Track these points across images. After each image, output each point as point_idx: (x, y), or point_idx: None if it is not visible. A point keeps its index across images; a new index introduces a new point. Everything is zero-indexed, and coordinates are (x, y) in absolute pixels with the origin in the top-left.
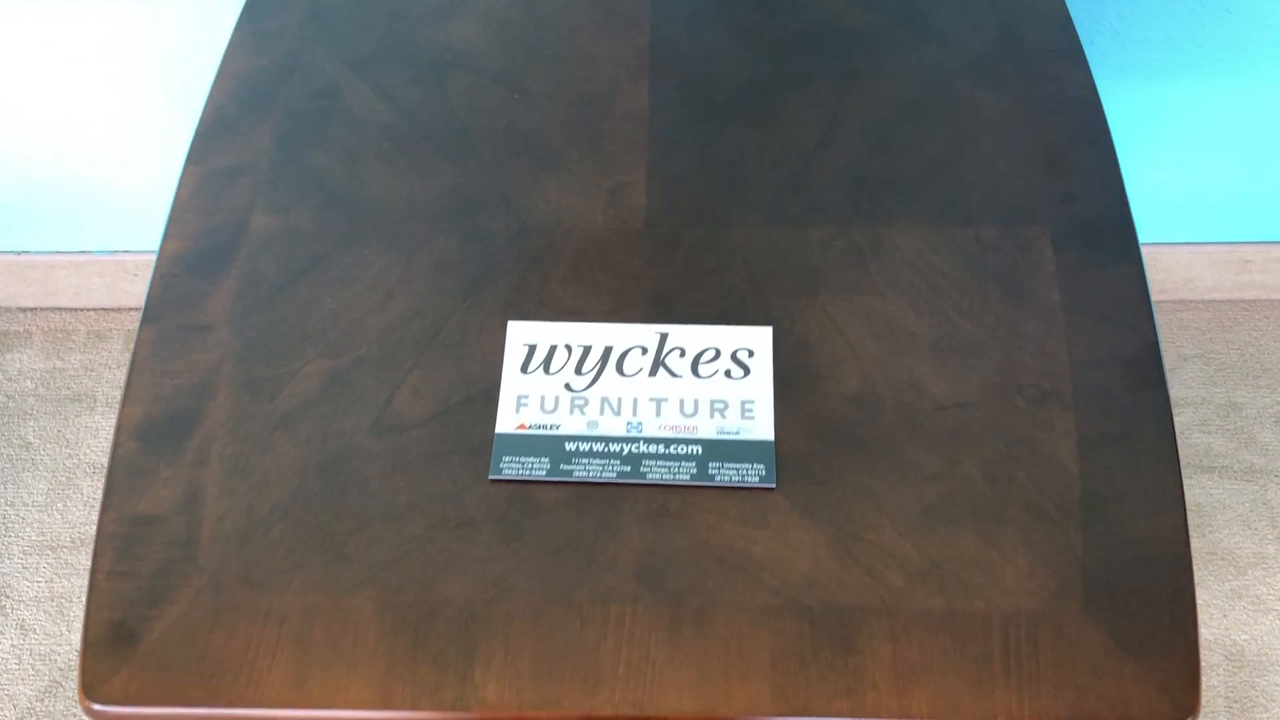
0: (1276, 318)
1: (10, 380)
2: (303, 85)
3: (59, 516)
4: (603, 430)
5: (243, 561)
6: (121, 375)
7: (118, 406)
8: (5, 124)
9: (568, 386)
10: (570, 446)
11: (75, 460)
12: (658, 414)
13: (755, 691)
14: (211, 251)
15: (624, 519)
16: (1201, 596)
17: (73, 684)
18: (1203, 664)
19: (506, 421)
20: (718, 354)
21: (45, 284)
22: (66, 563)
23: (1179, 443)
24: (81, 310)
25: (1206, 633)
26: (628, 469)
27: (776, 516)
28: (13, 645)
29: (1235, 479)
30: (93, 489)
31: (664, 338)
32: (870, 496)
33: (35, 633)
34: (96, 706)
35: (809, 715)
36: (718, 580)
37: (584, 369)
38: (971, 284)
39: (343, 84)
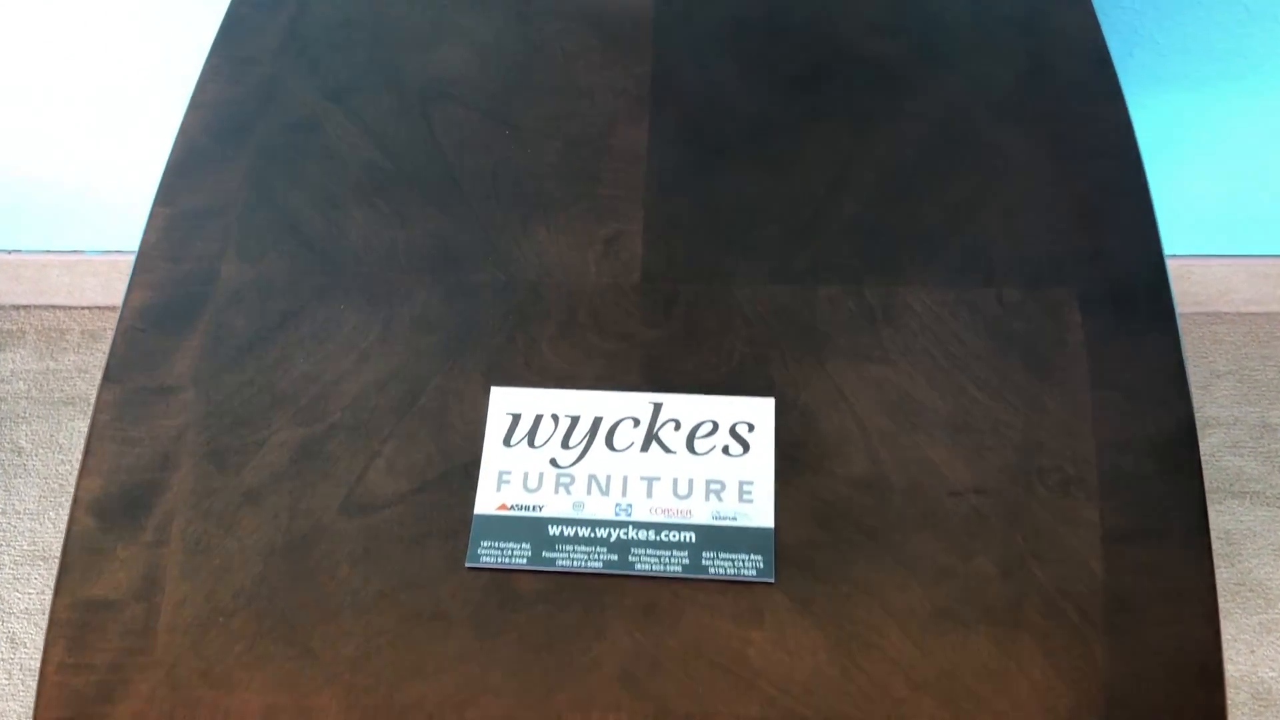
0: None
1: (3, 381)
2: (279, 117)
3: (51, 525)
4: (589, 512)
5: (201, 656)
6: None
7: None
8: None
9: (553, 462)
10: (554, 530)
11: (69, 466)
12: (649, 494)
13: None
14: (179, 304)
15: (609, 615)
16: (1228, 630)
17: None
18: (1227, 701)
19: (486, 501)
20: (715, 428)
21: (38, 282)
22: (57, 574)
23: (1207, 465)
24: (75, 308)
25: (1232, 669)
26: (615, 558)
27: (774, 615)
28: (2, 660)
29: (1267, 505)
30: None
31: (658, 408)
32: (876, 594)
33: (26, 647)
34: None
35: None
36: (709, 687)
37: (571, 442)
38: (991, 352)
39: (322, 116)
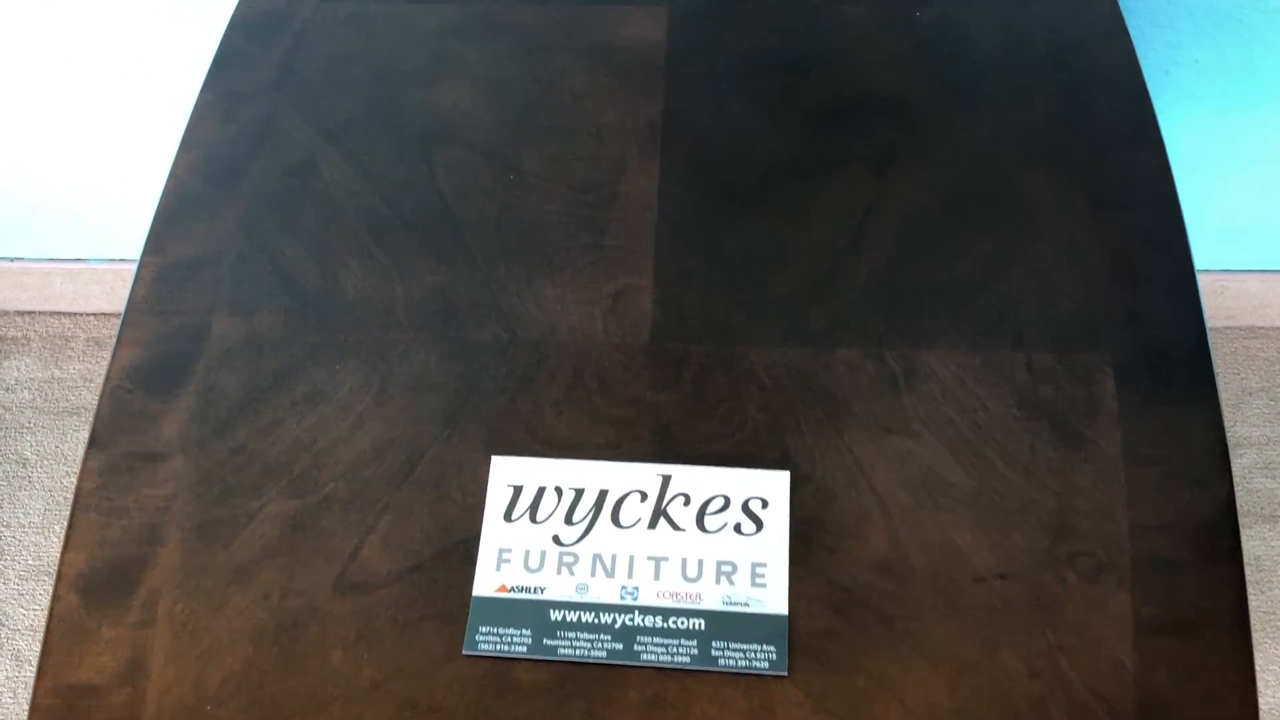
0: None
1: (8, 390)
2: (274, 159)
3: (55, 539)
4: (593, 595)
5: None
6: None
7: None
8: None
9: (556, 539)
10: (556, 615)
11: (73, 479)
12: (656, 576)
13: None
14: (168, 363)
15: (614, 710)
16: (1258, 660)
17: None
18: None
19: (485, 583)
20: (727, 503)
21: (41, 289)
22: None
23: (1238, 486)
24: (80, 315)
25: (1263, 701)
26: (620, 647)
27: (787, 711)
28: (7, 678)
29: None
30: None
31: (666, 481)
32: (894, 690)
33: (31, 664)
34: None
35: None
36: None
37: (575, 518)
38: (1019, 423)
39: (318, 157)
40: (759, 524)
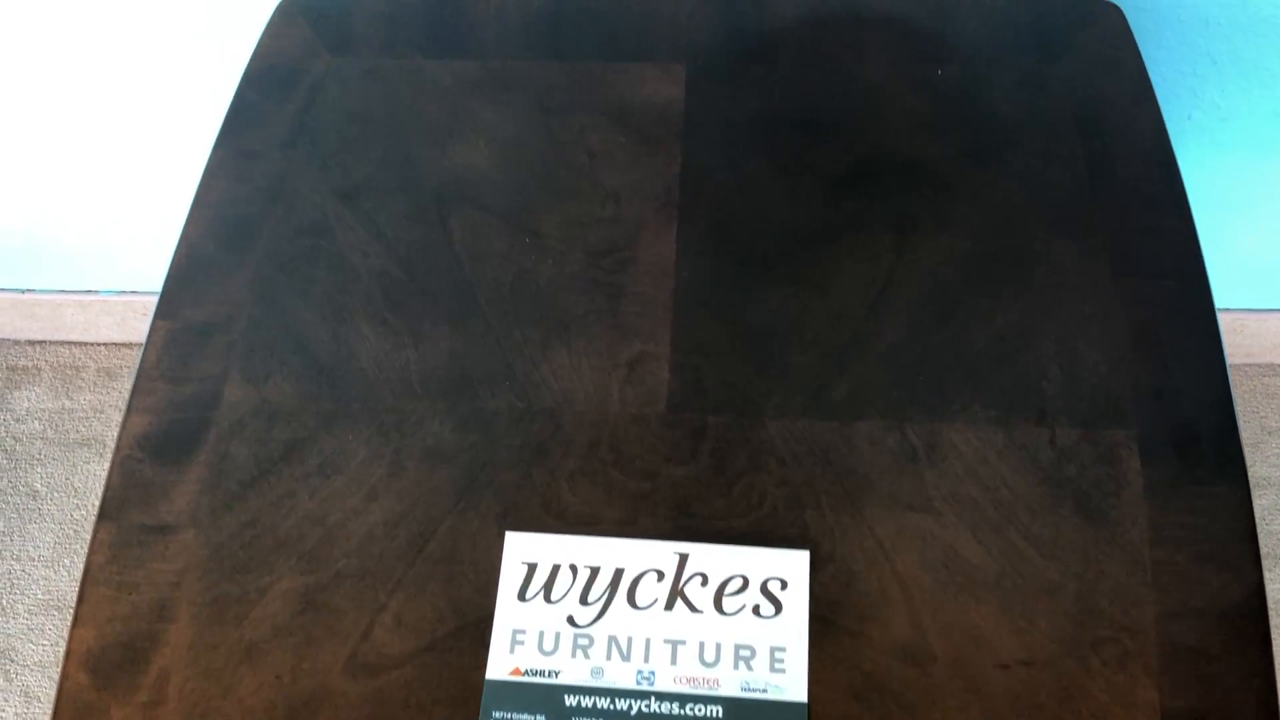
0: None
1: (18, 421)
2: (287, 220)
3: (65, 574)
4: (609, 679)
5: None
6: None
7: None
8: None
9: (571, 620)
10: (570, 701)
11: (84, 512)
12: (673, 661)
13: None
14: (179, 432)
15: None
16: None
17: None
18: None
19: (499, 665)
20: (745, 584)
21: (52, 320)
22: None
23: (1259, 527)
24: (91, 344)
25: None
26: None
27: None
28: (16, 714)
29: None
30: None
31: (684, 560)
32: None
33: (40, 701)
34: None
35: None
36: None
37: (590, 597)
38: (1043, 503)
39: (332, 218)
40: (778, 606)
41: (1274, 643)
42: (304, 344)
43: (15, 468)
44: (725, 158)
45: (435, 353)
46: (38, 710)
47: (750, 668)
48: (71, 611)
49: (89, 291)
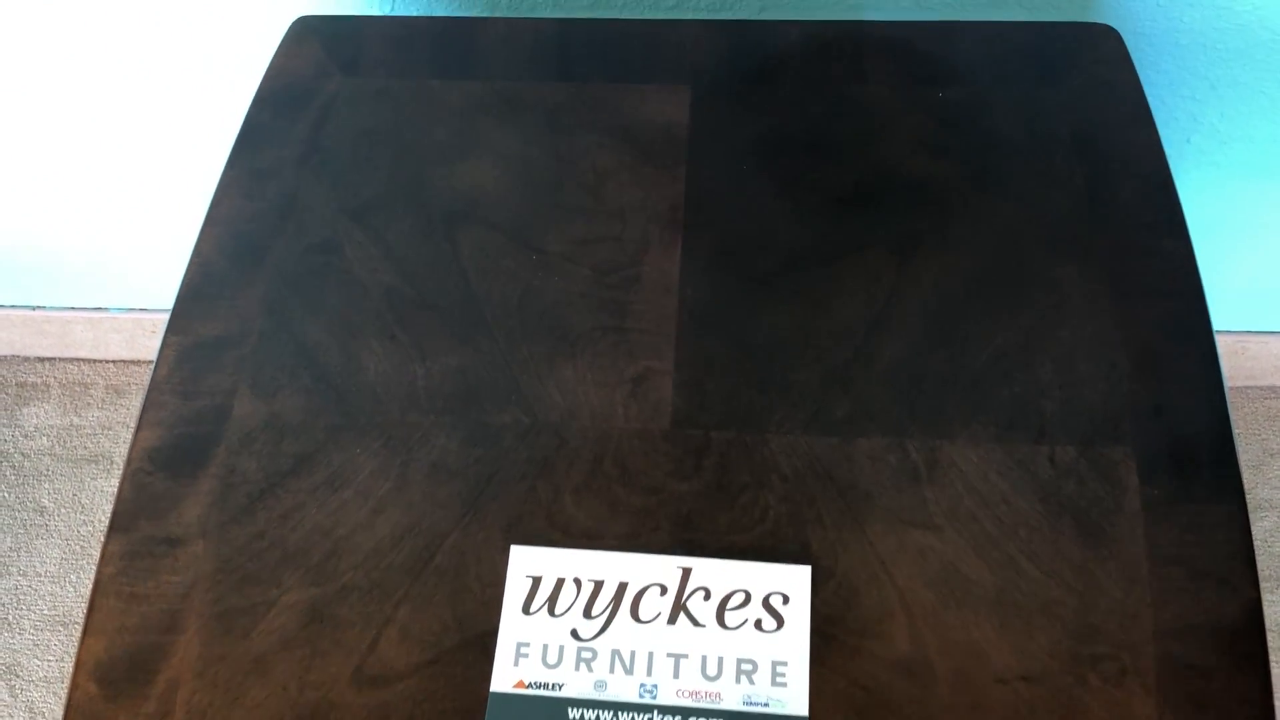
0: None
1: (26, 437)
2: (298, 237)
3: (72, 590)
4: (612, 693)
5: None
6: None
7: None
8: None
9: (574, 634)
10: (574, 714)
11: (90, 528)
12: (675, 674)
13: None
14: (189, 445)
15: None
16: None
17: None
18: None
19: (503, 678)
20: (748, 598)
21: (61, 337)
22: (78, 641)
23: (1260, 550)
24: (100, 362)
25: None
26: None
27: None
28: None
29: None
30: None
31: (687, 574)
32: None
33: (45, 716)
34: None
35: None
36: None
37: (594, 611)
38: (1043, 520)
39: (342, 236)
40: (780, 621)
41: (1277, 666)
42: (313, 359)
43: (23, 484)
44: (729, 177)
45: (442, 368)
46: None
47: (752, 681)
48: (79, 626)
49: (99, 309)
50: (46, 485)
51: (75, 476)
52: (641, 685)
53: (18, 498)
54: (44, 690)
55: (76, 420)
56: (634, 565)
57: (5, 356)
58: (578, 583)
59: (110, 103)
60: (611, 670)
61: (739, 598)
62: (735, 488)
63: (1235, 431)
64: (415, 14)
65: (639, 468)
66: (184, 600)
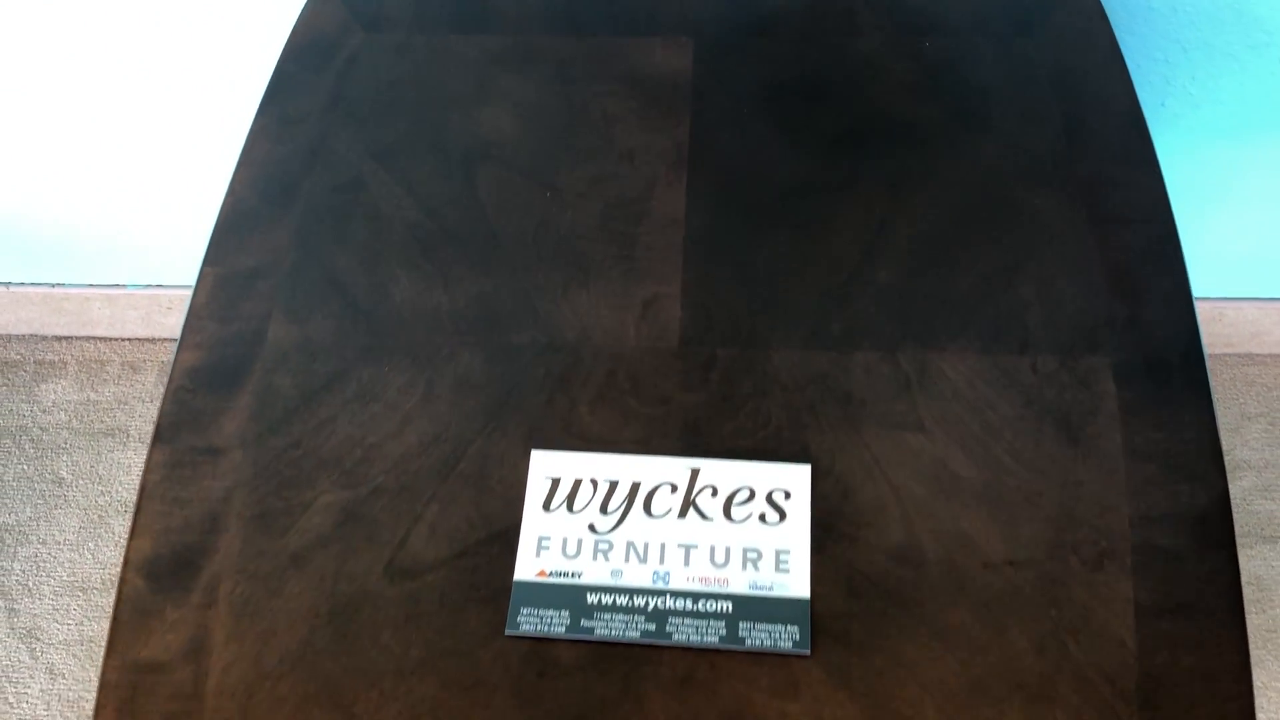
0: None
1: (45, 412)
2: (326, 177)
3: (90, 556)
4: (627, 580)
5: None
6: (154, 410)
7: (149, 442)
8: (40, 159)
9: (591, 528)
10: (593, 599)
11: (107, 498)
12: (686, 563)
13: None
14: (227, 365)
15: (648, 685)
16: (1259, 677)
17: None
18: None
19: (526, 568)
20: (752, 494)
21: (79, 314)
22: (97, 605)
23: (1238, 509)
24: (116, 340)
25: (1263, 717)
26: (652, 628)
27: (810, 687)
28: (41, 690)
29: None
30: (124, 529)
31: (695, 474)
32: (911, 667)
33: (64, 678)
34: None
35: None
36: None
37: (610, 507)
38: (1026, 422)
39: (367, 176)
40: (782, 514)
41: (1253, 616)
42: (342, 287)
43: (42, 456)
44: (731, 121)
45: (464, 294)
46: (63, 686)
47: (757, 568)
48: (98, 591)
49: (116, 285)
50: (65, 458)
51: (92, 449)
52: (655, 572)
53: (37, 470)
54: (64, 653)
55: (93, 396)
56: (646, 466)
57: (24, 335)
58: (594, 483)
59: (130, 80)
60: (626, 560)
61: (744, 494)
62: (739, 397)
63: (1214, 397)
64: None
65: (650, 381)
66: (224, 503)
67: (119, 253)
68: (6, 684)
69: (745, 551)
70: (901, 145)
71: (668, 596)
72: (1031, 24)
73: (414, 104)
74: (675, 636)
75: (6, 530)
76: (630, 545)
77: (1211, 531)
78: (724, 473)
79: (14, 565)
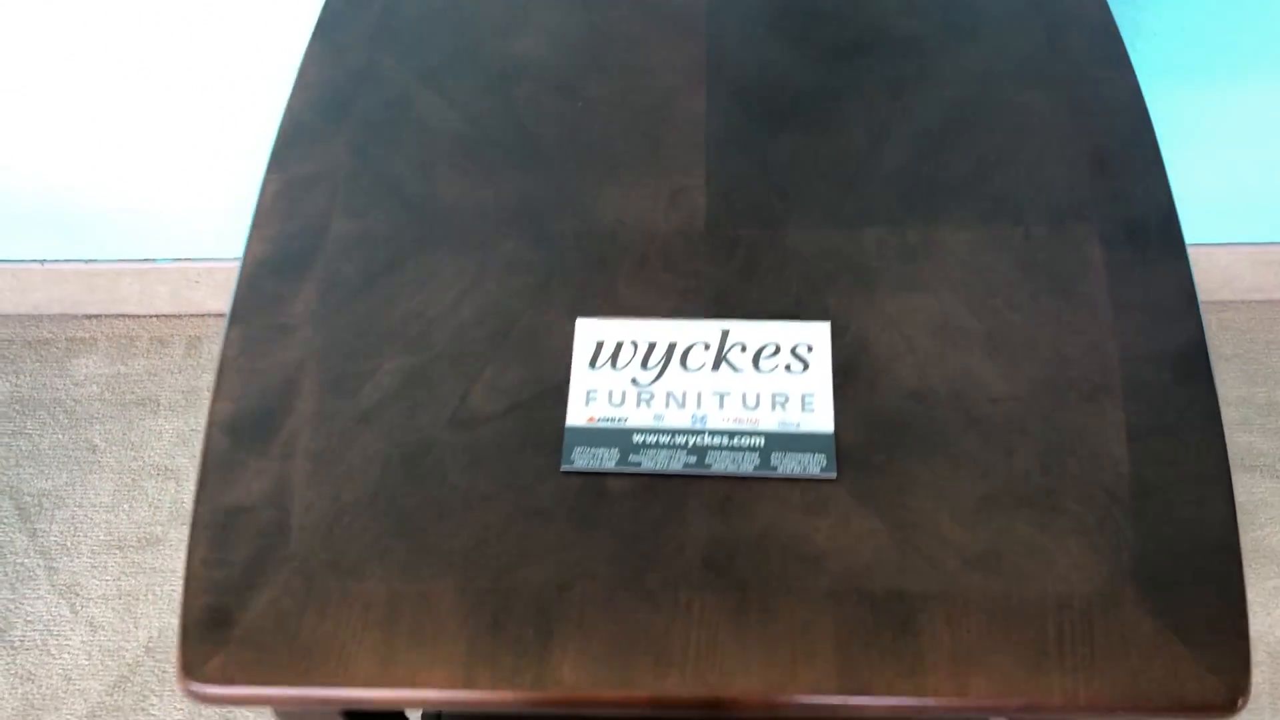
0: None
1: (77, 385)
2: (376, 95)
3: (125, 517)
4: (669, 423)
5: (330, 550)
6: (183, 380)
7: (179, 410)
8: (73, 135)
9: (634, 381)
10: (638, 439)
11: (140, 463)
12: (721, 406)
13: (819, 673)
14: (294, 255)
15: (690, 508)
16: None
17: (141, 679)
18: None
19: (576, 415)
20: (778, 349)
21: (111, 291)
22: (133, 562)
23: None
24: (145, 317)
25: (1249, 629)
26: (694, 460)
27: (837, 505)
28: (83, 642)
29: (1277, 478)
30: (157, 490)
31: (726, 334)
32: (927, 487)
33: (104, 630)
34: (195, 686)
35: (870, 695)
36: (781, 567)
37: (649, 364)
38: (1022, 281)
39: (414, 94)
40: (805, 365)
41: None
42: (397, 187)
43: (75, 426)
44: (744, 38)
45: (508, 191)
46: (103, 637)
47: (785, 409)
48: (135, 549)
49: (146, 259)
50: (98, 426)
51: (124, 418)
52: (694, 415)
53: (71, 439)
54: (103, 607)
55: (124, 369)
56: (681, 329)
57: (56, 315)
58: (634, 344)
59: (160, 53)
60: (667, 406)
61: (771, 349)
62: (763, 270)
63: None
64: None
65: (680, 259)
66: (298, 370)
67: (149, 227)
68: (49, 637)
69: (774, 396)
70: (900, 56)
71: (706, 435)
72: None
73: (454, 32)
74: (714, 467)
75: (44, 495)
76: (670, 394)
77: (1191, 366)
78: (751, 332)
79: (52, 527)
